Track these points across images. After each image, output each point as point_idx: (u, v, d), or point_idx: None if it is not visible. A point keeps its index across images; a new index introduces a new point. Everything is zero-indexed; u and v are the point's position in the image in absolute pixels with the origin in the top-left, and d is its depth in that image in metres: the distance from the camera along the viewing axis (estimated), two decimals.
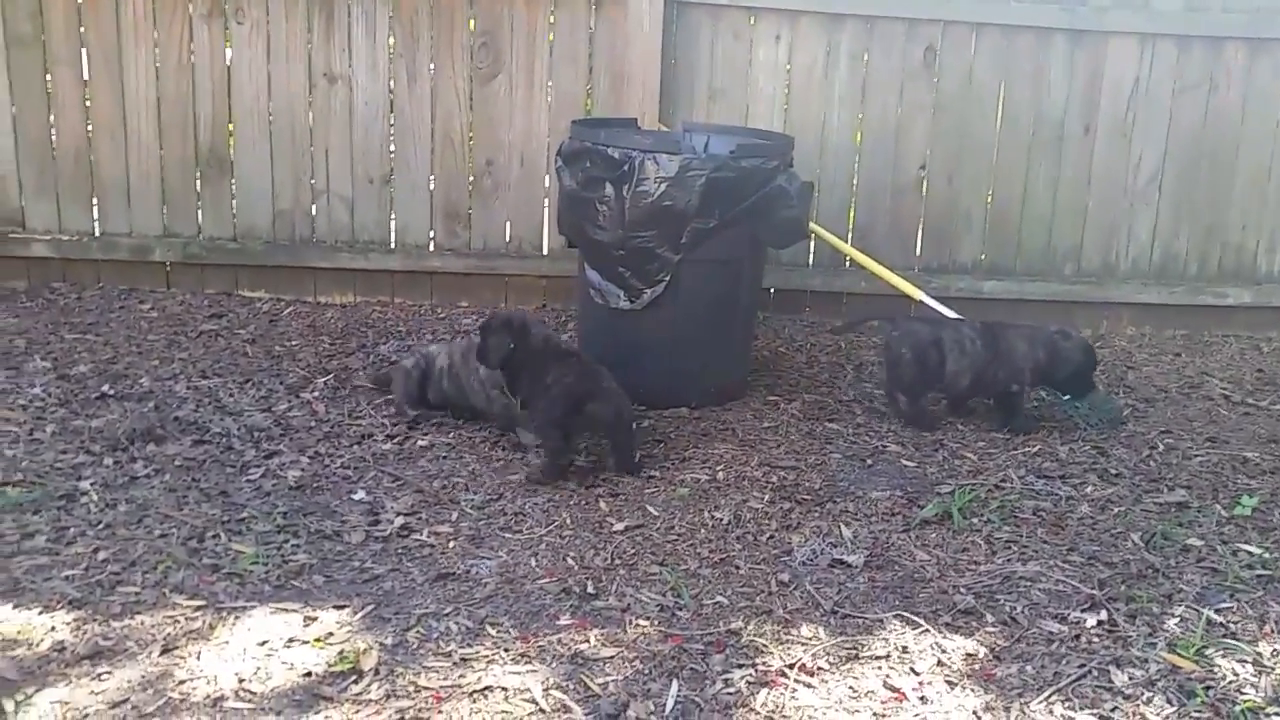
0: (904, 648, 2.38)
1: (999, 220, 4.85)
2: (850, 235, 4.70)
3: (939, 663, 2.33)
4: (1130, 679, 2.29)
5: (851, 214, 4.77)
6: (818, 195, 4.22)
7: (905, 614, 2.51)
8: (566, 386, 3.17)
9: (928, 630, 2.45)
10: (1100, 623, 2.50)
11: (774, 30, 4.59)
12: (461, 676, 2.18)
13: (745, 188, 3.56)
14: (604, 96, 4.59)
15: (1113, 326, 4.92)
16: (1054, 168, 4.80)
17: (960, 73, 4.69)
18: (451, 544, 2.75)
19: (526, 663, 2.25)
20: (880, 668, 2.31)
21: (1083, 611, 2.55)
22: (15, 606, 2.34)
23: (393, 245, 4.72)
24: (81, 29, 4.44)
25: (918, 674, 2.29)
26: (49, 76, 4.48)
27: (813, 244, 4.72)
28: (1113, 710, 2.19)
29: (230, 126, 4.56)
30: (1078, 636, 2.45)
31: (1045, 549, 2.86)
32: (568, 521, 2.91)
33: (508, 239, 4.74)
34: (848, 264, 4.71)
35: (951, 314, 3.85)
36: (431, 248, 4.74)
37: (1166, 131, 4.78)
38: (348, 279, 4.69)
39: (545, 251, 4.76)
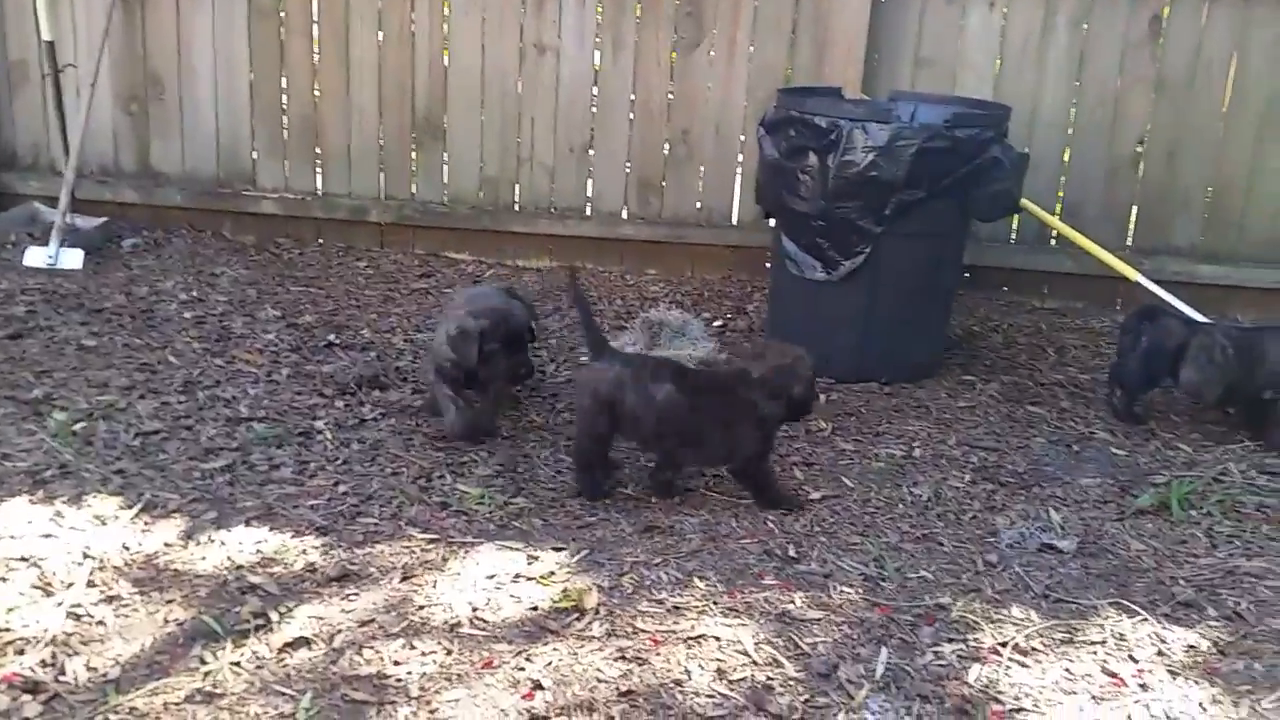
0: (1121, 635, 2.32)
1: (1221, 202, 4.56)
2: (1059, 212, 4.51)
3: (1159, 653, 2.26)
4: None
5: (1062, 189, 4.59)
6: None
7: (1121, 602, 2.44)
8: None
9: (1145, 619, 2.37)
10: None
11: None
12: (675, 623, 2.27)
13: (957, 159, 3.48)
14: (806, 65, 4.56)
15: None
16: None
17: (1188, 45, 4.41)
18: (655, 499, 2.85)
19: (735, 616, 2.31)
20: (1096, 653, 2.25)
21: None
22: (271, 529, 2.58)
23: (588, 212, 4.85)
24: (314, 1, 4.75)
25: (1137, 662, 2.23)
26: (284, 47, 4.81)
27: (1016, 219, 4.57)
28: None
29: (445, 96, 4.78)
30: None
31: (1272, 546, 2.72)
32: None
33: (698, 208, 4.80)
34: (1052, 241, 4.55)
35: (1176, 301, 3.66)
36: (624, 215, 4.84)
37: None
38: (545, 244, 4.86)
39: (735, 221, 4.79)
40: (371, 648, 2.14)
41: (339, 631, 2.20)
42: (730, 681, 2.09)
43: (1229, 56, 4.41)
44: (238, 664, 2.08)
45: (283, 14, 4.76)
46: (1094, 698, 2.11)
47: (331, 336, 3.84)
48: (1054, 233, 4.27)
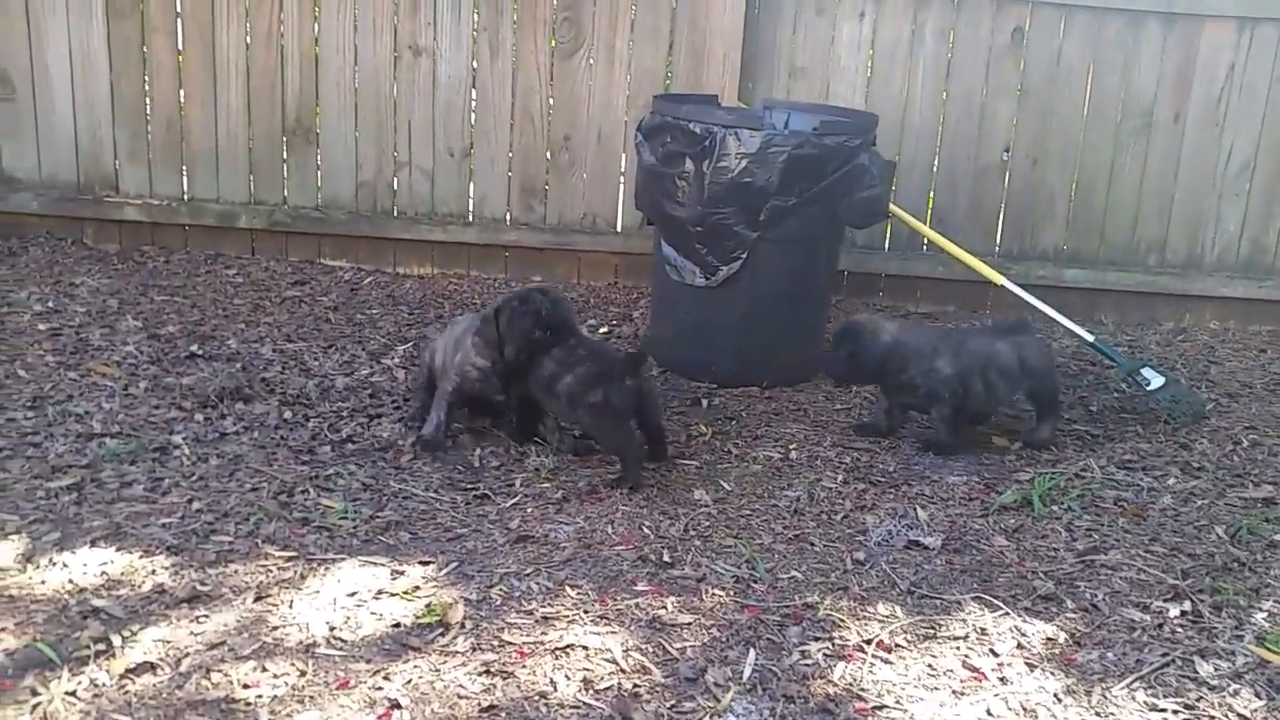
0: (983, 629, 2.37)
1: (1083, 208, 4.76)
2: (929, 218, 4.65)
3: (1018, 645, 2.32)
4: (1216, 670, 2.25)
5: (931, 196, 4.72)
6: (897, 177, 4.17)
7: (984, 597, 2.50)
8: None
9: (1007, 614, 2.43)
10: (1184, 613, 2.46)
11: (858, 7, 4.54)
12: (544, 634, 2.22)
13: (827, 165, 3.54)
14: (684, 73, 4.59)
15: (1196, 320, 4.80)
16: (1141, 155, 4.69)
17: (1048, 55, 4.59)
18: (530, 508, 2.80)
19: (606, 624, 2.28)
20: (959, 648, 2.30)
21: (1166, 601, 2.51)
22: (118, 550, 2.44)
23: (470, 218, 4.78)
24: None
25: (997, 655, 2.28)
26: (145, 46, 4.61)
27: (889, 227, 4.67)
28: (1197, 700, 2.16)
29: (317, 97, 4.65)
30: (1161, 626, 2.42)
31: (1127, 539, 2.82)
32: (642, 493, 2.94)
33: (582, 215, 4.77)
34: (924, 248, 4.67)
35: (1041, 304, 3.80)
36: (508, 221, 4.78)
37: (1262, 120, 4.64)
38: (425, 251, 4.77)
39: (619, 228, 4.78)
40: (220, 671, 2.04)
41: (186, 655, 2.09)
42: (597, 691, 2.06)
43: (1087, 66, 4.61)
44: (73, 693, 1.96)
45: (143, 10, 4.56)
46: (954, 692, 2.14)
47: (194, 347, 3.68)
48: (924, 239, 4.39)
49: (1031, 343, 3.41)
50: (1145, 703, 2.14)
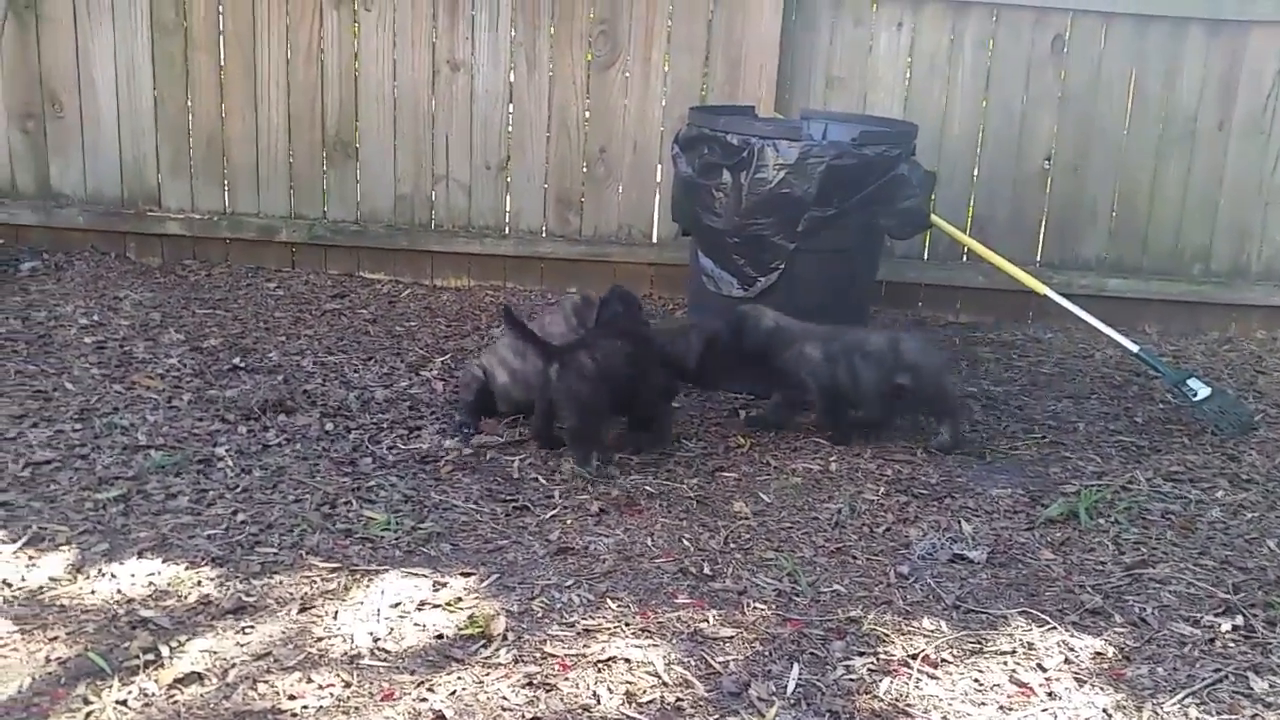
0: (1030, 644, 2.33)
1: (1126, 216, 4.70)
2: (970, 227, 4.60)
3: (1066, 660, 2.28)
4: (1271, 686, 2.20)
5: (971, 206, 4.68)
6: (937, 186, 4.13)
7: (1030, 611, 2.46)
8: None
9: (1054, 628, 2.40)
10: (1236, 628, 2.42)
11: (896, 17, 4.53)
12: (585, 646, 2.22)
13: (866, 176, 3.52)
14: (719, 84, 4.59)
15: (1242, 330, 4.72)
16: (1184, 163, 4.63)
17: (1089, 63, 4.55)
18: (570, 520, 2.80)
19: (647, 637, 2.27)
20: (1006, 663, 2.27)
21: (1217, 616, 2.46)
22: (165, 561, 2.47)
23: (506, 231, 4.80)
24: (220, 16, 4.64)
25: (1045, 670, 2.24)
26: (188, 62, 4.68)
27: (928, 236, 4.64)
28: (1253, 717, 2.11)
29: (356, 113, 4.70)
30: (1212, 640, 2.37)
31: (1175, 552, 2.77)
32: (682, 506, 2.93)
33: (618, 226, 4.78)
34: (964, 258, 4.63)
35: (1080, 310, 3.75)
36: (544, 233, 4.81)
37: None
38: (462, 263, 4.80)
39: (655, 239, 4.78)
40: (266, 682, 2.05)
41: (233, 666, 2.10)
42: (640, 704, 2.05)
43: (1128, 74, 4.56)
44: (124, 702, 1.98)
45: (186, 27, 4.64)
46: (1002, 708, 2.11)
47: (236, 360, 3.72)
48: (965, 249, 4.35)
49: (911, 338, 3.40)
50: (1198, 719, 2.10)
